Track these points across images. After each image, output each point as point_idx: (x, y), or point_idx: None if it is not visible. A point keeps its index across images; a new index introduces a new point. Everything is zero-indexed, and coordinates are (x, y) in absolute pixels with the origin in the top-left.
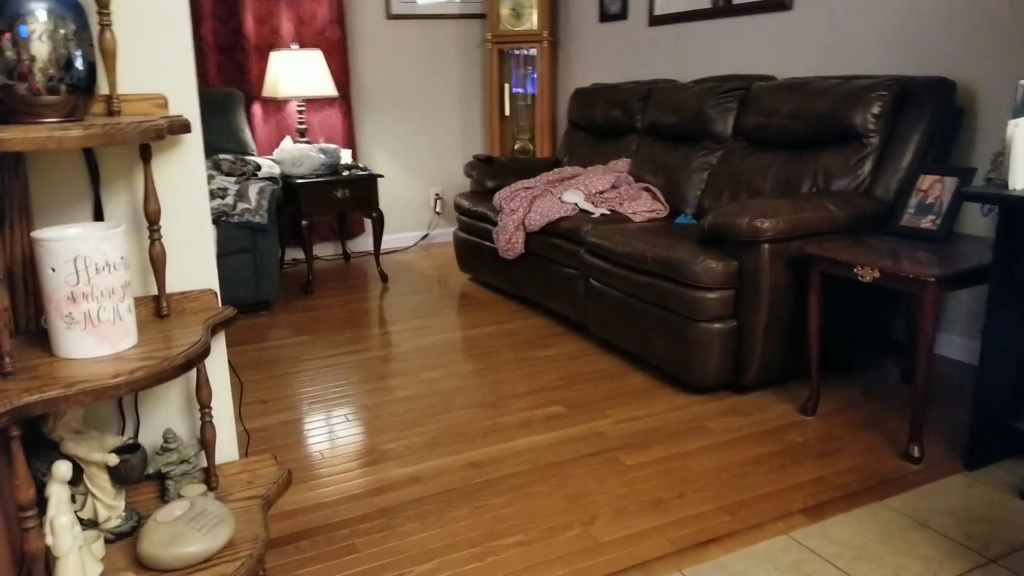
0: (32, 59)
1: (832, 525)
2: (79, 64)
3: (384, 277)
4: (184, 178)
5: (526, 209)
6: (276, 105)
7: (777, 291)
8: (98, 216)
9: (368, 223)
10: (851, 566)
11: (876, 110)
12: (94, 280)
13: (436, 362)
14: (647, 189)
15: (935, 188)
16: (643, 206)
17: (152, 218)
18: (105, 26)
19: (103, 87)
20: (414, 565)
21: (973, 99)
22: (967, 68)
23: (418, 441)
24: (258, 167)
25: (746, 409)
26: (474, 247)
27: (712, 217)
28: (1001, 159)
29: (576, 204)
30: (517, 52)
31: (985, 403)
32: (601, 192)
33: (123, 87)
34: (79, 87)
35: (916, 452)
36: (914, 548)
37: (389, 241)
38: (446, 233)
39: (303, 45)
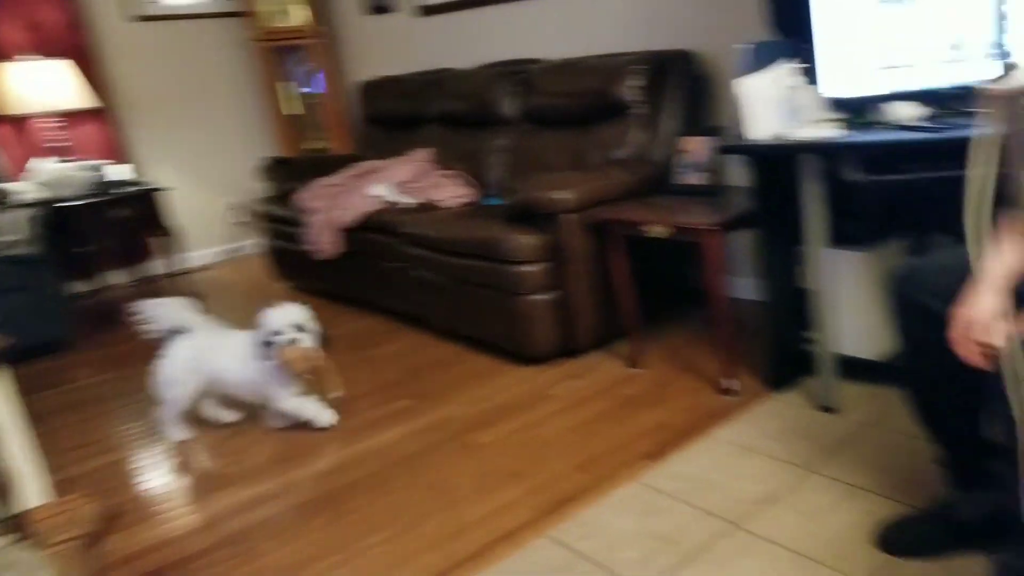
0: None
1: (673, 463)
2: None
3: (194, 296)
4: None
5: (331, 206)
6: (21, 123)
7: (588, 257)
8: None
9: (159, 243)
10: (696, 498)
11: (637, 83)
12: None
13: None
14: (452, 175)
15: (698, 148)
16: (452, 192)
17: None
18: None
19: None
20: None
21: (713, 66)
22: (705, 40)
23: (262, 459)
24: (3, 194)
25: (582, 372)
26: (290, 253)
27: (516, 194)
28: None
29: (383, 196)
30: (294, 49)
31: (776, 333)
32: (407, 182)
33: None
34: None
35: (731, 385)
36: (746, 470)
37: (194, 258)
38: (253, 244)
39: (42, 54)
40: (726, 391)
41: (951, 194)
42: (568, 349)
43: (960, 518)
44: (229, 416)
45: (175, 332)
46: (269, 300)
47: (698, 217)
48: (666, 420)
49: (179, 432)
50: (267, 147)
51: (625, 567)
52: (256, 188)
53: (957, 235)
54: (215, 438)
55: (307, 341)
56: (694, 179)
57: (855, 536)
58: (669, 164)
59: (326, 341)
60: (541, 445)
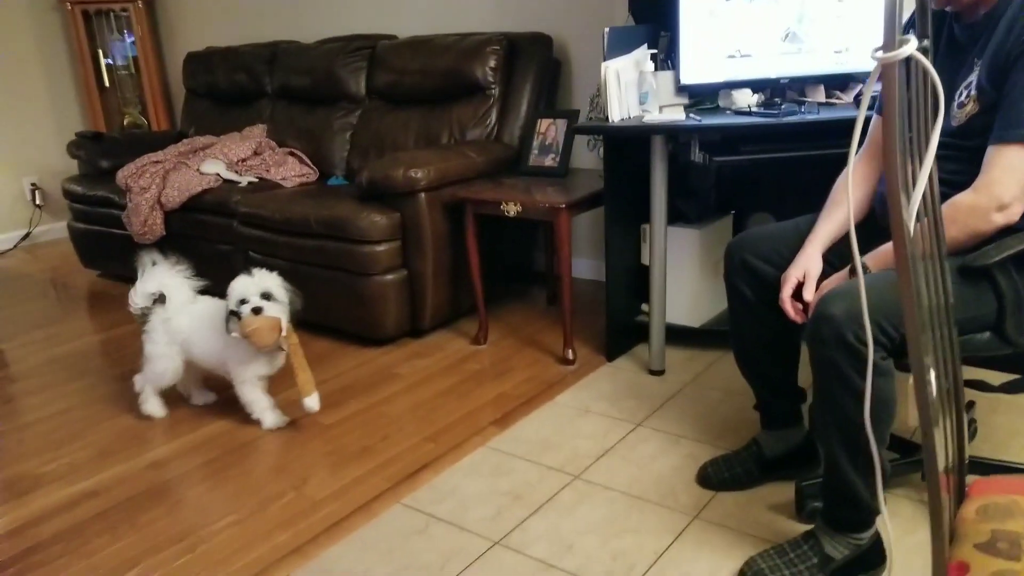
0: None
1: (518, 429)
2: None
3: None
4: None
5: (160, 185)
6: None
7: (439, 237)
8: None
9: None
10: (540, 456)
11: (492, 63)
12: None
13: (81, 370)
14: (292, 154)
15: (551, 130)
16: (292, 171)
17: None
18: None
19: None
20: None
21: (566, 51)
22: (558, 25)
23: (83, 456)
24: None
25: (427, 351)
26: (99, 237)
27: (368, 172)
28: (598, 100)
29: (218, 174)
30: (107, 15)
31: (613, 306)
32: (244, 160)
33: None
34: None
35: (570, 355)
36: (583, 429)
37: None
38: (55, 229)
39: None
40: (565, 361)
41: (775, 174)
42: (414, 329)
43: (767, 454)
44: (201, 399)
45: (157, 301)
46: (68, 292)
47: (550, 196)
48: (510, 391)
49: (155, 407)
50: (76, 122)
51: (479, 524)
52: (62, 167)
53: (774, 212)
54: (35, 433)
55: (274, 311)
56: (547, 161)
57: (679, 477)
58: (522, 145)
59: (296, 314)
60: (389, 422)
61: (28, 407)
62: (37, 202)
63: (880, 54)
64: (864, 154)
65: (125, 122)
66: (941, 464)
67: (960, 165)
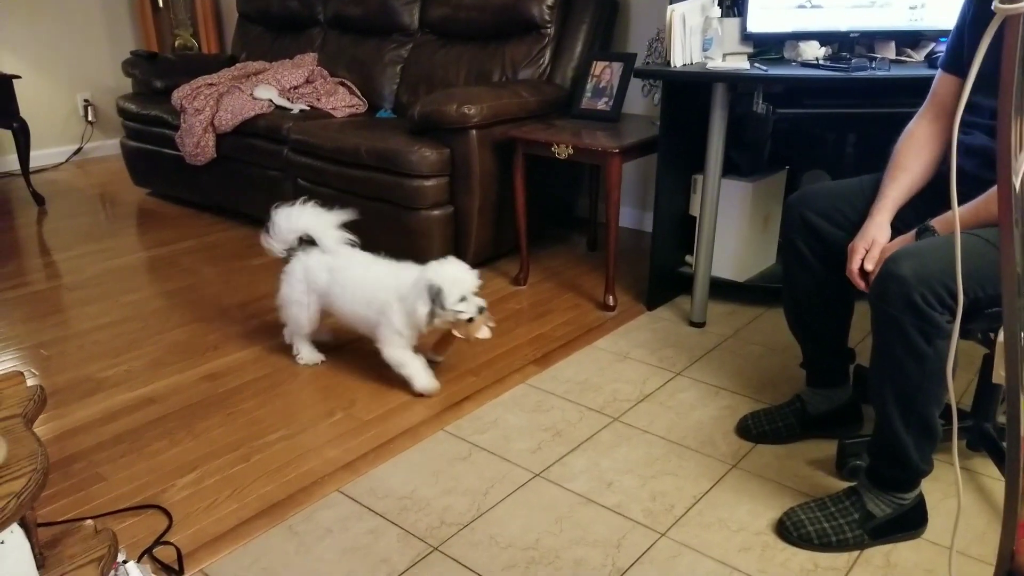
0: None
1: (557, 369)
2: None
3: (40, 199)
4: None
5: (213, 108)
6: None
7: (486, 175)
8: None
9: (6, 137)
10: (579, 397)
11: (549, 2)
12: None
13: (134, 284)
14: (343, 84)
15: (605, 73)
16: (342, 101)
17: None
18: None
19: None
20: (176, 478)
21: None
22: None
23: (139, 364)
24: None
25: None
26: (151, 156)
27: (421, 106)
28: (657, 44)
29: (271, 100)
30: None
31: (659, 255)
32: (296, 87)
33: None
34: None
35: (611, 301)
36: (623, 375)
37: (34, 158)
38: (106, 146)
39: None
40: (605, 307)
41: (832, 131)
42: None
43: (810, 411)
44: (323, 335)
45: (302, 243)
46: (119, 208)
47: (602, 141)
48: (549, 332)
49: (309, 354)
50: (129, 42)
51: (520, 456)
52: (115, 85)
53: (829, 170)
54: (93, 341)
55: (482, 312)
56: (600, 104)
57: (718, 426)
58: (575, 87)
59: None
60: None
61: (85, 315)
62: (89, 118)
63: (1001, 4)
64: (926, 113)
65: (176, 44)
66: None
67: None
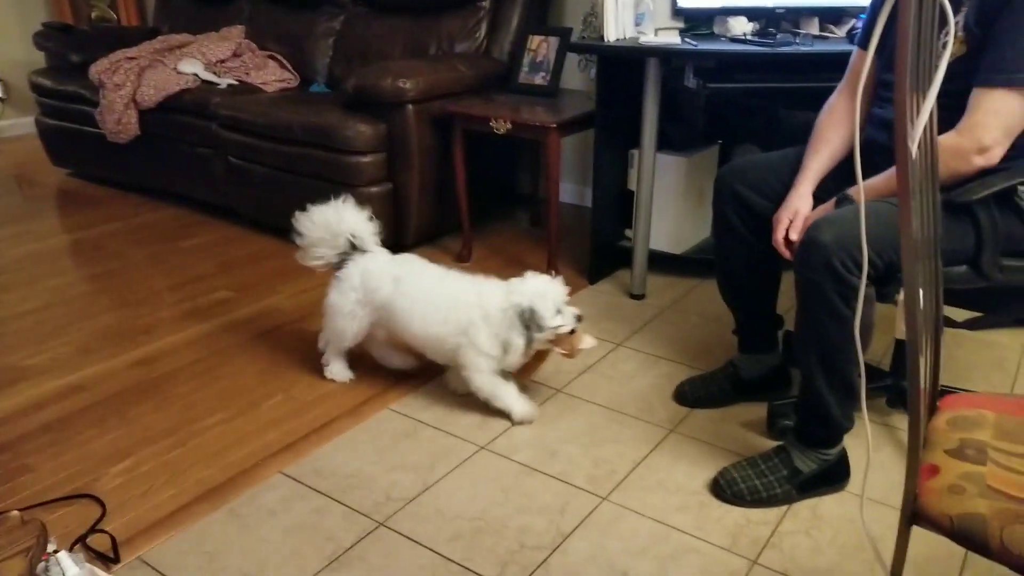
0: None
1: None
2: None
3: None
4: None
5: (135, 83)
6: None
7: (424, 151)
8: None
9: None
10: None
11: None
12: None
13: (57, 268)
14: (272, 57)
15: (542, 47)
16: (273, 75)
17: None
18: None
19: None
20: (108, 466)
21: None
22: None
23: (66, 351)
24: None
25: None
26: (70, 135)
27: (355, 79)
28: (592, 19)
29: (196, 74)
30: None
31: (598, 230)
32: (222, 61)
33: None
34: None
35: (553, 275)
36: None
37: None
38: (20, 124)
39: None
40: None
41: (763, 105)
42: (397, 243)
43: (743, 375)
44: (400, 362)
45: (354, 249)
46: (37, 189)
47: (541, 116)
48: None
49: (340, 371)
50: (40, 14)
51: (465, 431)
52: (27, 59)
53: (761, 143)
54: (14, 329)
55: (580, 320)
56: (537, 79)
57: (657, 394)
58: (512, 62)
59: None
60: None
61: (4, 302)
62: (1, 95)
63: None
64: (845, 88)
65: (92, 15)
66: (922, 381)
67: (941, 110)
